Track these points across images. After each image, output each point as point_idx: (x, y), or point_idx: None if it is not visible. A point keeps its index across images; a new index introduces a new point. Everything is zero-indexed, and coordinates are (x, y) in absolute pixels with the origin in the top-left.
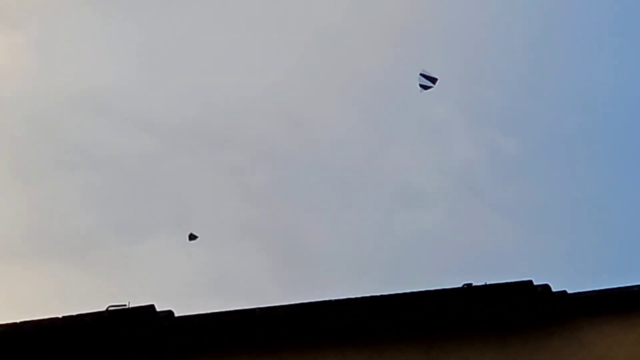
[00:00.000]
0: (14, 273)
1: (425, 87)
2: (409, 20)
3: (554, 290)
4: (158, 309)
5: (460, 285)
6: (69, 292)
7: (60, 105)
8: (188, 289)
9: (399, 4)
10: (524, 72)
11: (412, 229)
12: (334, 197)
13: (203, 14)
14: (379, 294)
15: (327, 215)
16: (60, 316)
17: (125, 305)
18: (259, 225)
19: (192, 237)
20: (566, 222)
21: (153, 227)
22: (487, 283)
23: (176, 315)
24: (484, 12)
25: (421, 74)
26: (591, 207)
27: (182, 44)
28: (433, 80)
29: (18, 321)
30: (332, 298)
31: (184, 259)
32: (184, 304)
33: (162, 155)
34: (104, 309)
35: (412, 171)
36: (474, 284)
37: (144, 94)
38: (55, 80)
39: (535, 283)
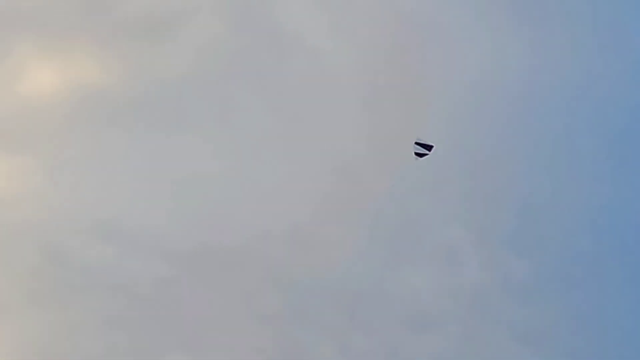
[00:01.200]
0: None
1: (420, 155)
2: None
3: None
4: None
5: None
6: None
7: (73, 231)
8: None
9: (407, 123)
10: (533, 195)
11: (422, 352)
12: (344, 320)
13: (208, 139)
14: None
15: (337, 340)
16: None
17: None
18: (270, 349)
19: None
20: (577, 345)
21: (164, 351)
22: None
23: None
24: (494, 138)
25: (416, 143)
26: (603, 331)
27: (193, 169)
28: (428, 147)
29: None
30: None
31: None
32: None
33: (174, 279)
34: None
35: (423, 294)
36: None
37: (155, 219)
38: (67, 205)
39: None
